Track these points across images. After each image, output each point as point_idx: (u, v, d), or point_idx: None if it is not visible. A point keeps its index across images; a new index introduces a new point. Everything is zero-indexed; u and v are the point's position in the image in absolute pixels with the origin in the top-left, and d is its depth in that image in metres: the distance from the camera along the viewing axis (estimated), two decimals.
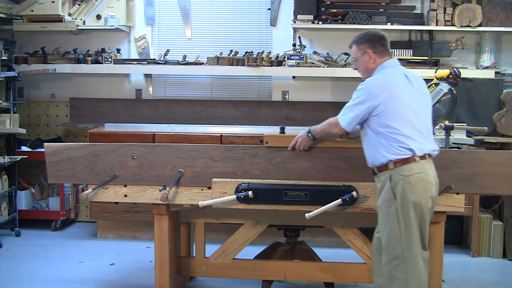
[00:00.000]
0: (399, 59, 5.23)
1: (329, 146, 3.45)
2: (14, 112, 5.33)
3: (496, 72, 5.26)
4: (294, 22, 5.45)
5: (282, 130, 3.54)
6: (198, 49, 5.79)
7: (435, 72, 4.56)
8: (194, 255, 4.13)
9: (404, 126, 3.00)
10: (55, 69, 5.57)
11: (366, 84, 3.09)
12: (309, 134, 3.35)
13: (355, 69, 3.31)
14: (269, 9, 5.79)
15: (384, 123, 3.02)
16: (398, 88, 3.06)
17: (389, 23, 5.37)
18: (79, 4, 5.67)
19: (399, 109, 3.01)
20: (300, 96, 5.78)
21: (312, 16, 5.42)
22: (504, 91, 5.05)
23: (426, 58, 5.40)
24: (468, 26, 5.22)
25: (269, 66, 5.43)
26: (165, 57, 5.61)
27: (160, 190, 3.50)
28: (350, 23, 5.34)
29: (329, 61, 5.47)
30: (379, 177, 3.10)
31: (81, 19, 5.62)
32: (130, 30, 5.90)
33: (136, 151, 3.52)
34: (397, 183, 3.00)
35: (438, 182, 3.12)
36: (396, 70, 3.16)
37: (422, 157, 3.01)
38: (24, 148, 5.56)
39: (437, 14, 5.29)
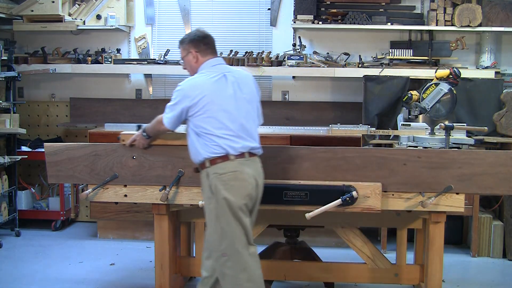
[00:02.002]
0: (399, 59, 5.41)
1: (170, 144, 3.47)
2: (14, 112, 5.33)
3: (496, 72, 5.26)
4: (294, 22, 5.45)
5: (138, 128, 3.52)
6: None
7: (435, 72, 4.55)
8: (194, 255, 4.14)
9: (215, 127, 3.08)
10: (55, 69, 5.57)
11: (181, 85, 3.17)
12: (144, 133, 3.40)
13: (184, 69, 3.38)
14: (269, 9, 5.79)
15: (197, 124, 3.11)
16: (211, 89, 3.12)
17: (389, 23, 5.38)
18: (79, 4, 5.67)
19: (210, 110, 3.09)
20: (300, 96, 5.78)
21: (312, 16, 5.42)
22: (504, 91, 5.05)
23: (426, 58, 5.40)
24: (468, 26, 5.22)
25: (269, 66, 5.43)
26: (165, 57, 5.61)
27: (160, 190, 3.49)
28: (350, 23, 5.34)
29: (329, 61, 5.47)
30: (201, 174, 3.18)
31: (81, 19, 5.62)
32: (130, 30, 5.90)
33: (136, 151, 3.51)
34: (212, 181, 3.09)
35: (260, 180, 3.17)
36: (216, 70, 3.21)
37: (238, 156, 3.09)
38: (24, 148, 5.56)
39: (437, 14, 5.29)
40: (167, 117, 3.21)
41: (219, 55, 5.46)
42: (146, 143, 3.43)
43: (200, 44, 3.26)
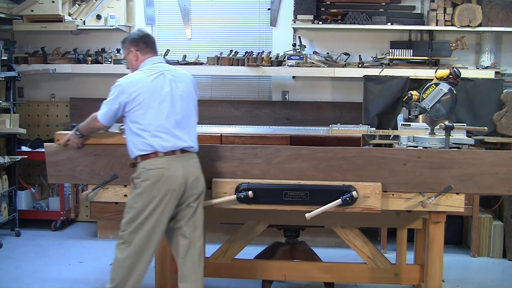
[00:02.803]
0: (399, 59, 5.41)
1: (104, 143, 3.49)
2: (14, 112, 5.33)
3: (496, 72, 5.26)
4: (294, 22, 5.45)
5: (73, 128, 3.53)
6: (198, 49, 5.79)
7: (435, 72, 4.55)
8: None
9: (149, 123, 3.16)
10: (55, 69, 5.57)
11: (119, 81, 3.25)
12: (77, 132, 3.43)
13: (127, 68, 3.46)
14: (269, 9, 5.79)
15: (133, 120, 3.19)
16: (148, 87, 3.19)
17: (389, 23, 5.38)
18: (79, 4, 5.68)
19: (146, 107, 3.16)
20: (300, 96, 5.78)
21: (312, 16, 5.42)
22: (504, 91, 5.05)
23: (426, 58, 5.40)
24: (468, 26, 5.22)
25: (269, 66, 5.43)
26: (165, 57, 5.60)
27: None
28: (350, 23, 5.34)
29: (329, 61, 5.47)
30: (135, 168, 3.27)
31: (81, 19, 5.62)
32: (130, 30, 5.89)
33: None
34: (139, 175, 3.18)
35: (191, 178, 3.22)
36: (156, 68, 3.28)
37: (168, 153, 3.17)
38: (24, 148, 5.56)
39: (437, 14, 5.29)
40: (102, 113, 3.27)
41: (219, 54, 5.58)
42: (80, 142, 3.45)
43: (140, 43, 3.34)
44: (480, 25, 5.22)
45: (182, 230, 3.28)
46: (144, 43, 3.34)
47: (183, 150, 3.22)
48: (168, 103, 3.21)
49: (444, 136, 3.89)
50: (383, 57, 5.44)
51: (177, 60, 5.63)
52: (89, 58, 5.70)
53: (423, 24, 5.45)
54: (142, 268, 3.20)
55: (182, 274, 3.29)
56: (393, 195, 3.42)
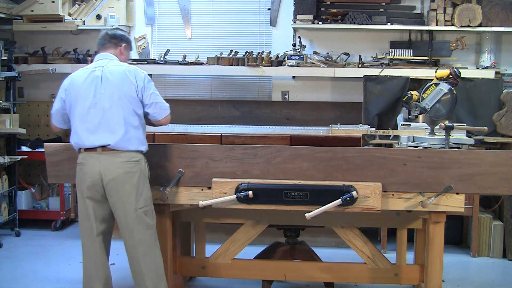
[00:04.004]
0: (399, 59, 5.41)
1: None
2: (14, 112, 5.33)
3: (496, 72, 5.26)
4: (294, 22, 5.46)
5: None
6: (198, 49, 5.79)
7: (435, 72, 4.55)
8: (194, 255, 4.14)
9: (74, 119, 3.26)
10: (55, 69, 5.57)
11: (64, 81, 3.39)
12: None
13: None
14: (269, 9, 5.79)
15: (69, 116, 3.33)
16: (77, 84, 3.28)
17: (389, 23, 5.38)
18: (79, 4, 5.68)
19: (73, 104, 3.26)
20: (300, 96, 5.78)
21: (312, 16, 5.42)
22: (504, 91, 5.05)
23: (426, 58, 5.40)
24: (468, 26, 5.22)
25: (269, 66, 5.43)
26: (165, 57, 5.61)
27: (160, 190, 3.49)
28: (350, 23, 5.35)
29: (329, 61, 5.48)
30: None
31: (81, 19, 5.62)
32: (130, 30, 5.90)
33: None
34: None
35: (110, 175, 3.21)
36: (93, 65, 3.36)
37: (88, 149, 3.23)
38: (24, 148, 5.56)
39: (437, 14, 5.29)
40: (52, 113, 3.38)
41: (219, 54, 5.57)
42: None
43: (97, 44, 3.47)
44: (480, 25, 5.22)
45: (118, 232, 3.34)
46: (97, 44, 3.45)
47: (104, 148, 3.21)
48: (90, 100, 3.23)
49: (444, 136, 3.89)
50: (383, 57, 5.44)
51: (177, 60, 5.64)
52: (89, 58, 5.69)
53: (423, 24, 5.45)
54: (101, 268, 3.37)
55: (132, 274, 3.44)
56: (393, 195, 3.42)
